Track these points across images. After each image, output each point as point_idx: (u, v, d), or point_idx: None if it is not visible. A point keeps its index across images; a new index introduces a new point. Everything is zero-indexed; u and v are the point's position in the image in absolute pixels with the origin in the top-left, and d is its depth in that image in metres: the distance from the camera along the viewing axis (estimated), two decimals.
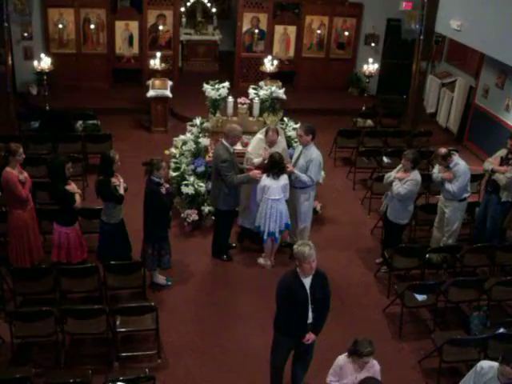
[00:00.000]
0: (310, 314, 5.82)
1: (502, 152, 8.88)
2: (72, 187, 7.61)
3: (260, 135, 8.96)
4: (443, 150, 8.47)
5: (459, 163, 8.45)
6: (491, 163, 8.75)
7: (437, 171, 8.68)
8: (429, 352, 7.10)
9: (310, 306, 5.76)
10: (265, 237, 8.40)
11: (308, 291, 5.70)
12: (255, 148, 8.84)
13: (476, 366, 5.48)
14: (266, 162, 8.42)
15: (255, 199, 8.47)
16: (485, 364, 5.47)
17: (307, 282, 5.70)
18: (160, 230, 7.75)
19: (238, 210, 8.99)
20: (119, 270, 7.47)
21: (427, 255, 8.35)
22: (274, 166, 8.10)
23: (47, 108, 12.83)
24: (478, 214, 9.07)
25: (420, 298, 7.58)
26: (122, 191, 7.56)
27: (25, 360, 6.74)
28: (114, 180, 7.52)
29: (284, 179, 8.20)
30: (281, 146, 8.96)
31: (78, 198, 7.59)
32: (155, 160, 7.56)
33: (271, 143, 8.68)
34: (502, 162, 8.76)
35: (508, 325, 7.41)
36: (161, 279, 8.18)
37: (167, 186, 7.72)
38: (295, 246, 5.71)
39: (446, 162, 8.42)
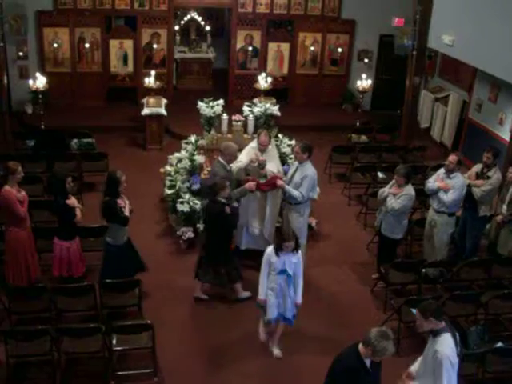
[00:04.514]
0: None
1: (477, 167, 8.93)
2: (72, 201, 7.61)
3: (252, 144, 9.00)
4: (455, 157, 8.45)
5: (459, 176, 8.49)
6: (433, 184, 8.61)
7: (433, 180, 8.71)
8: None
9: None
10: (271, 317, 7.12)
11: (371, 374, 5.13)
12: (246, 155, 8.84)
13: None
14: (255, 164, 8.43)
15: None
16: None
17: (368, 362, 5.10)
18: (225, 250, 7.86)
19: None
20: (115, 289, 7.44)
21: (423, 270, 8.35)
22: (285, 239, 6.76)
23: (42, 127, 12.84)
24: (457, 230, 9.07)
25: None
26: (127, 213, 7.50)
27: (20, 380, 6.72)
28: (119, 201, 7.44)
29: (296, 257, 6.92)
30: (272, 154, 8.99)
31: (78, 212, 7.60)
32: (219, 181, 7.59)
33: (263, 145, 8.69)
34: (478, 176, 8.82)
35: (506, 339, 7.41)
36: (244, 293, 8.28)
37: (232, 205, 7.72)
38: (374, 335, 4.93)
39: (458, 167, 8.43)
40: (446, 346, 5.38)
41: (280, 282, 6.90)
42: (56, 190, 7.59)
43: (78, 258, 7.79)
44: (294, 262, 6.88)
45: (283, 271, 6.86)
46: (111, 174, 7.49)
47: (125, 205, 7.53)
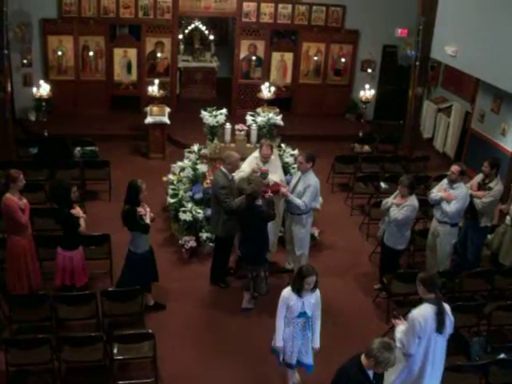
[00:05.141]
0: None
1: (479, 177, 8.93)
2: (77, 211, 7.58)
3: (255, 154, 9.01)
4: (458, 167, 8.44)
5: (462, 186, 8.48)
6: (436, 194, 8.63)
7: (436, 191, 8.70)
8: None
9: None
10: (292, 362, 6.62)
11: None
12: (249, 165, 8.86)
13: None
14: (257, 174, 8.44)
15: None
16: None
17: (371, 373, 5.09)
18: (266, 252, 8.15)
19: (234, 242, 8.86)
20: (117, 297, 7.42)
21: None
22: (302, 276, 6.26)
23: (46, 134, 12.85)
24: (459, 239, 9.03)
25: None
26: (148, 221, 7.52)
27: None
28: (140, 209, 7.46)
29: (315, 297, 6.45)
30: (275, 164, 9.01)
31: (82, 222, 7.55)
32: (254, 187, 7.74)
33: (265, 157, 8.71)
34: (480, 187, 8.81)
35: (509, 350, 7.37)
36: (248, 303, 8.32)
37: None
38: (376, 346, 4.94)
39: (460, 178, 8.43)
40: (420, 311, 5.91)
41: (299, 326, 6.41)
42: (60, 199, 7.55)
43: (81, 267, 7.75)
44: (313, 302, 6.37)
45: (302, 314, 6.36)
46: (132, 183, 7.50)
47: (145, 212, 7.54)
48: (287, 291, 6.35)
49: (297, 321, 6.38)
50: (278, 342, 6.45)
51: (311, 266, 6.35)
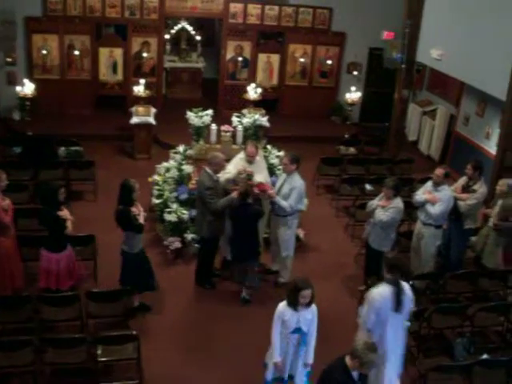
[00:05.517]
0: None
1: (463, 180, 9.01)
2: (64, 213, 7.49)
3: (240, 155, 9.01)
4: (442, 170, 8.50)
5: (446, 189, 8.53)
6: (420, 196, 8.70)
7: (420, 193, 8.75)
8: (413, 379, 7.10)
9: None
10: (285, 377, 6.48)
11: None
12: (235, 167, 8.84)
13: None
14: (243, 175, 8.45)
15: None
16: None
17: (355, 374, 5.10)
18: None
19: (220, 243, 8.88)
20: (101, 298, 7.37)
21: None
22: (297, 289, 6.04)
23: (30, 134, 12.74)
24: (443, 241, 9.07)
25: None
26: (141, 220, 7.50)
27: None
28: (133, 209, 7.43)
29: (311, 312, 6.23)
30: (261, 166, 9.01)
31: (69, 224, 7.47)
32: (243, 185, 8.01)
33: (250, 156, 8.70)
34: (464, 189, 8.88)
35: (492, 351, 7.43)
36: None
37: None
38: (361, 347, 4.94)
39: (444, 181, 8.48)
40: (379, 290, 6.27)
41: (293, 342, 6.24)
42: (48, 200, 7.45)
43: (67, 270, 7.61)
44: (309, 318, 6.15)
45: (297, 330, 6.17)
46: (126, 183, 7.47)
47: (139, 212, 7.52)
48: (282, 305, 6.13)
49: (292, 336, 6.20)
50: (275, 357, 6.25)
51: (307, 278, 6.08)
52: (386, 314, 6.25)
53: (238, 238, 8.16)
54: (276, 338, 6.21)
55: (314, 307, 6.18)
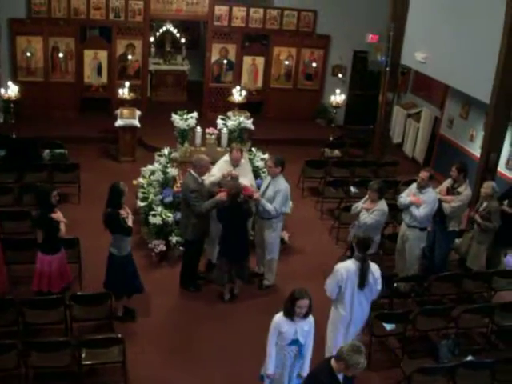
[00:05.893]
0: None
1: (448, 182, 9.06)
2: (58, 215, 7.47)
3: (225, 158, 9.02)
4: (427, 173, 8.54)
5: (431, 191, 8.58)
6: (405, 198, 8.75)
7: (405, 195, 8.79)
8: (398, 381, 7.12)
9: None
10: None
11: None
12: (219, 170, 8.87)
13: None
14: (227, 178, 8.50)
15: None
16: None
17: (340, 377, 5.07)
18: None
19: (204, 246, 8.90)
20: (85, 301, 7.33)
21: (395, 284, 8.40)
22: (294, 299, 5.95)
23: (14, 136, 12.65)
24: (428, 243, 9.13)
25: (389, 327, 7.60)
26: (130, 223, 7.48)
27: None
28: (122, 212, 7.41)
29: (308, 323, 6.15)
30: (246, 168, 9.04)
31: (62, 226, 7.46)
32: (235, 185, 8.15)
33: (235, 161, 8.74)
34: (448, 191, 8.94)
35: (476, 352, 7.47)
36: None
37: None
38: (346, 349, 4.91)
39: (429, 183, 8.54)
40: (345, 264, 6.75)
41: (290, 354, 6.16)
42: (41, 203, 7.47)
43: (58, 272, 7.60)
44: (306, 329, 6.06)
45: (295, 341, 6.08)
46: (115, 186, 7.44)
47: (127, 215, 7.50)
48: (279, 316, 6.03)
49: (289, 348, 6.12)
50: (269, 369, 6.15)
51: (304, 288, 5.98)
52: (351, 288, 6.70)
53: (231, 238, 8.17)
54: (272, 349, 6.11)
55: (311, 318, 6.09)
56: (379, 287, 6.89)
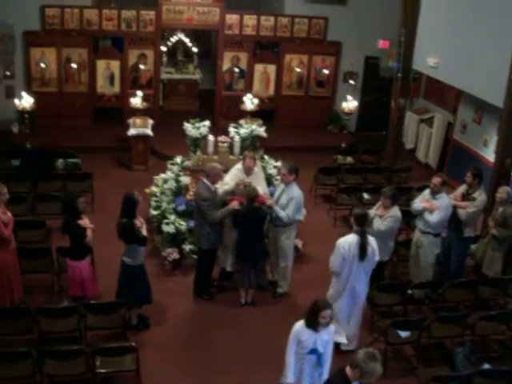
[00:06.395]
0: None
1: (463, 188, 9.00)
2: (85, 222, 7.58)
3: (238, 166, 9.02)
4: (439, 179, 8.51)
5: (444, 197, 8.53)
6: (418, 204, 8.72)
7: (418, 201, 8.74)
8: None
9: None
10: None
11: None
12: (232, 178, 8.86)
13: None
14: (240, 187, 8.51)
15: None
16: None
17: None
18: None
19: (218, 254, 8.87)
20: (99, 310, 7.35)
21: (409, 291, 8.35)
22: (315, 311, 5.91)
23: (28, 146, 12.77)
24: (442, 249, 9.09)
25: (403, 334, 7.53)
26: (144, 232, 7.51)
27: None
28: (136, 222, 7.43)
29: (328, 333, 6.10)
30: (259, 176, 9.03)
31: (89, 232, 7.55)
32: (251, 190, 8.17)
33: (248, 170, 8.74)
34: (463, 197, 8.87)
35: (493, 360, 7.39)
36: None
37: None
38: (361, 357, 4.88)
39: (442, 188, 8.50)
40: (346, 238, 7.28)
41: (309, 363, 6.10)
42: (68, 210, 7.62)
43: (91, 277, 7.74)
44: (326, 339, 6.02)
45: (314, 351, 6.04)
46: (129, 196, 7.45)
47: (141, 225, 7.52)
48: (299, 325, 6.01)
49: (307, 357, 6.06)
50: (289, 378, 6.11)
51: (326, 299, 6.15)
52: (352, 260, 7.21)
53: (248, 242, 8.24)
54: (291, 357, 6.08)
55: (331, 328, 6.07)
56: (377, 258, 7.40)
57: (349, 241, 7.23)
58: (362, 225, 7.24)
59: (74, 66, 14.68)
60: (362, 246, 7.17)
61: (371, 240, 7.33)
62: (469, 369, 7.10)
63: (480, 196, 8.77)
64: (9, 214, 7.61)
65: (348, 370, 4.99)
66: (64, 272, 8.16)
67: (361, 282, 7.41)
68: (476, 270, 9.34)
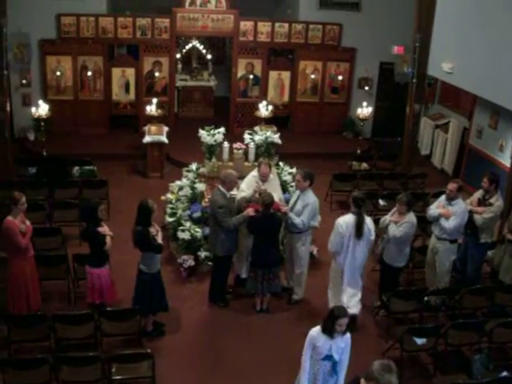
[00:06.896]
0: None
1: (479, 193, 8.93)
2: (104, 229, 7.61)
3: (253, 173, 9.02)
4: (455, 185, 8.47)
5: (460, 203, 8.48)
6: (434, 210, 8.67)
7: (434, 207, 8.70)
8: None
9: None
10: None
11: None
12: (248, 185, 8.88)
13: None
14: (256, 194, 8.50)
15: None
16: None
17: None
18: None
19: (233, 261, 8.88)
20: (115, 317, 7.38)
21: (425, 298, 8.29)
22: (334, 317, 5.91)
23: (44, 154, 12.88)
24: (459, 256, 9.02)
25: (419, 341, 7.47)
26: (160, 240, 7.52)
27: None
28: (151, 230, 7.45)
29: (345, 341, 6.10)
30: (274, 183, 9.03)
31: (108, 239, 7.59)
32: (266, 196, 8.16)
33: (263, 176, 8.75)
34: (480, 203, 8.80)
35: (511, 368, 7.31)
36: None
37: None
38: (376, 368, 4.69)
39: (457, 194, 8.45)
40: (344, 217, 7.85)
41: (323, 369, 6.08)
42: (87, 217, 7.68)
43: (110, 284, 7.77)
44: (342, 346, 6.00)
45: (328, 357, 6.03)
46: (143, 204, 7.45)
47: (157, 232, 7.54)
48: (315, 330, 6.02)
49: (322, 363, 6.05)
50: (303, 382, 6.11)
51: (343, 306, 6.18)
52: (349, 238, 7.72)
53: (263, 248, 8.22)
54: (306, 362, 6.08)
55: (348, 336, 6.04)
56: (372, 237, 7.91)
57: (346, 220, 7.77)
58: (360, 207, 7.75)
59: (89, 73, 14.80)
60: (359, 225, 7.68)
61: (368, 220, 7.86)
62: (486, 376, 7.02)
63: (497, 201, 8.70)
64: (28, 222, 7.66)
65: (363, 382, 4.86)
66: (81, 279, 8.22)
67: (358, 258, 7.88)
68: (493, 277, 9.26)
